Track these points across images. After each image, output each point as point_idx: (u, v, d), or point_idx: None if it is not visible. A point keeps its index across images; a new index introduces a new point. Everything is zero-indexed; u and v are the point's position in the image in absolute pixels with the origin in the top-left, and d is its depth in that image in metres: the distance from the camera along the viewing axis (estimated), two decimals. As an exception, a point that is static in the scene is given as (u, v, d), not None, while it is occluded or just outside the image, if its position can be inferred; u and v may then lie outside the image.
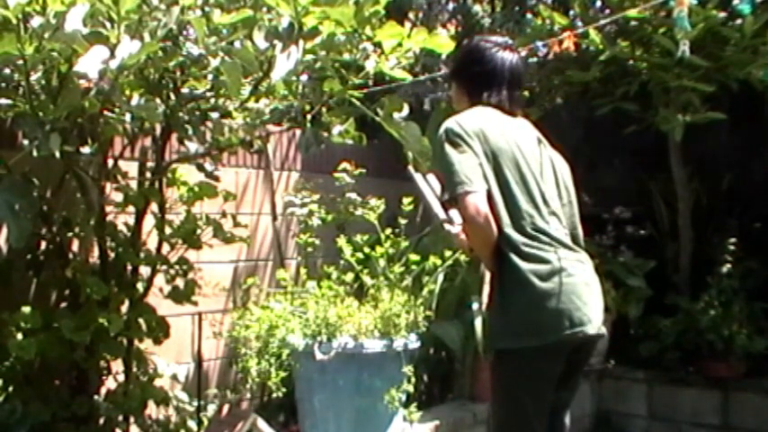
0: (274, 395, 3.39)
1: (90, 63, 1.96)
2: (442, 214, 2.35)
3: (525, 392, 2.23)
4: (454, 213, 2.35)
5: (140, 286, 2.99)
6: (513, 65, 2.41)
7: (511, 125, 2.33)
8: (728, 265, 4.35)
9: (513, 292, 2.19)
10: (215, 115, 2.65)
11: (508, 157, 2.24)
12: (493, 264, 2.23)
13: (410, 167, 2.49)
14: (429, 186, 2.42)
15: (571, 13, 4.47)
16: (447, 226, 2.34)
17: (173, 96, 2.54)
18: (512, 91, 2.40)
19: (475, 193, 2.15)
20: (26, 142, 2.24)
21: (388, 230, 3.71)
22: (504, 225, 2.19)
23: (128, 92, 2.36)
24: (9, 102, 2.25)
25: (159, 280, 3.03)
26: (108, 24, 2.12)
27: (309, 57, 2.40)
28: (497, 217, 2.18)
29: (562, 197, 2.34)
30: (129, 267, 2.96)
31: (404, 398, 3.32)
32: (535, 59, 4.65)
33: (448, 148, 2.23)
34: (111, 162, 2.88)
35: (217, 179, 3.05)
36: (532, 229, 2.21)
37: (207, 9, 2.35)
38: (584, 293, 2.20)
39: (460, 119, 2.29)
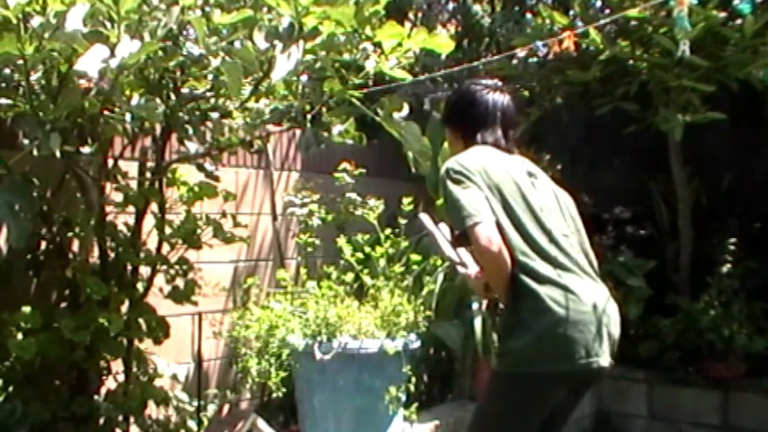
0: (274, 395, 3.39)
1: (90, 63, 1.95)
2: (455, 258, 2.36)
3: (520, 412, 2.23)
4: (465, 255, 2.35)
5: (140, 286, 2.99)
6: (505, 105, 2.44)
7: (510, 161, 2.35)
8: (728, 265, 4.34)
9: (529, 317, 2.16)
10: (215, 115, 2.65)
11: (512, 189, 2.24)
12: (507, 295, 2.23)
13: (421, 215, 2.50)
14: (440, 233, 2.41)
15: (571, 12, 4.47)
16: (461, 269, 2.35)
17: (173, 96, 2.54)
18: (506, 131, 2.42)
19: (484, 223, 2.14)
20: (26, 142, 2.24)
21: (388, 230, 3.72)
22: (519, 253, 2.17)
23: (128, 92, 2.36)
24: (9, 102, 2.25)
25: (159, 280, 3.03)
26: (108, 24, 2.12)
27: (309, 57, 2.40)
28: (510, 246, 2.17)
29: (569, 226, 2.34)
30: (129, 267, 2.96)
31: (404, 398, 3.32)
32: (535, 59, 4.66)
33: (451, 186, 2.23)
34: (111, 162, 2.88)
35: (217, 179, 3.05)
36: (549, 254, 2.20)
37: (207, 9, 2.35)
38: (601, 323, 2.18)
39: (460, 158, 2.30)
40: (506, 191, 2.23)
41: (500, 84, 2.51)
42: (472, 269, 2.34)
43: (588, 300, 2.18)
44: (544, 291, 2.15)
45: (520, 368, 2.18)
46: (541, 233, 2.22)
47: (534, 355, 2.15)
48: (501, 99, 2.44)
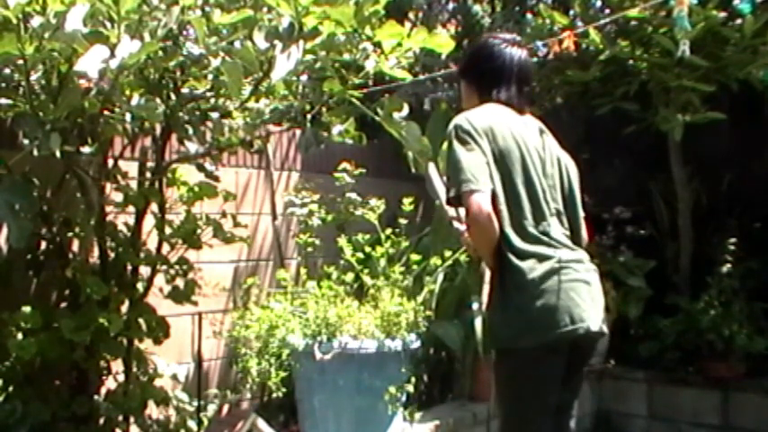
0: (274, 395, 3.39)
1: (90, 63, 1.95)
2: (452, 212, 2.36)
3: (526, 392, 2.23)
4: (462, 212, 2.36)
5: (140, 286, 2.99)
6: (522, 61, 2.43)
7: (519, 123, 2.34)
8: (728, 265, 4.35)
9: (511, 291, 2.19)
10: (215, 115, 2.64)
11: (515, 157, 2.25)
12: (494, 263, 2.24)
13: (430, 168, 2.49)
14: (443, 185, 2.42)
15: (571, 12, 4.47)
16: (456, 224, 2.36)
17: (173, 96, 2.54)
18: (521, 87, 2.41)
19: (480, 192, 2.15)
20: (26, 142, 2.24)
21: (389, 230, 3.72)
22: (505, 225, 2.20)
23: (128, 92, 2.35)
24: (9, 102, 2.25)
25: (159, 280, 3.03)
26: (108, 24, 2.12)
27: (309, 57, 2.40)
28: (500, 217, 2.19)
29: (566, 196, 2.35)
30: (129, 267, 2.96)
31: (404, 398, 3.32)
32: (535, 59, 4.65)
33: (456, 144, 2.23)
34: (111, 162, 2.88)
35: (217, 179, 3.05)
36: (533, 229, 2.22)
37: (207, 9, 2.35)
38: (583, 291, 2.20)
39: (470, 116, 2.29)
40: (509, 158, 2.23)
41: (518, 38, 2.50)
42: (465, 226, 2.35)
43: (572, 270, 2.20)
44: (525, 265, 2.17)
45: (508, 344, 2.21)
46: (534, 206, 2.23)
47: (518, 329, 2.18)
48: (519, 54, 2.43)
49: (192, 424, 3.31)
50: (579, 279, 2.21)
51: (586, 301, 2.20)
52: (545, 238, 2.22)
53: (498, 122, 2.28)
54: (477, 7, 5.38)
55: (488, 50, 2.44)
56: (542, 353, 2.19)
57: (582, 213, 2.39)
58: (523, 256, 2.18)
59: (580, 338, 2.21)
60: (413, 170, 4.16)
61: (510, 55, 2.41)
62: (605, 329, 2.28)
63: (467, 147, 2.21)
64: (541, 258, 2.18)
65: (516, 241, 2.19)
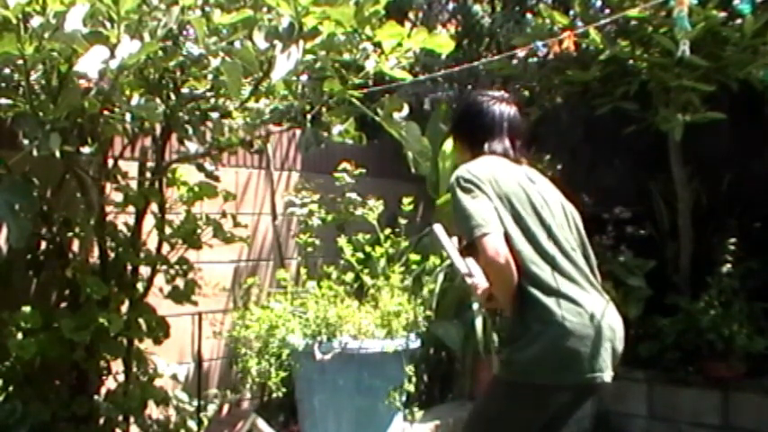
0: (274, 395, 3.39)
1: (90, 63, 1.95)
2: (464, 268, 2.36)
3: (520, 421, 2.24)
4: (472, 264, 2.35)
5: (140, 286, 2.99)
6: (512, 116, 2.45)
7: (519, 171, 2.36)
8: (728, 265, 4.34)
9: (536, 327, 2.16)
10: (215, 115, 2.65)
11: (522, 199, 2.25)
12: (513, 307, 2.23)
13: (435, 226, 2.50)
14: (452, 244, 2.42)
15: (571, 12, 4.46)
16: (468, 279, 2.35)
17: (173, 96, 2.54)
18: (513, 140, 2.42)
19: (492, 234, 2.14)
20: (26, 142, 2.24)
21: (388, 230, 3.72)
22: (528, 263, 2.18)
23: (128, 92, 2.36)
24: (9, 102, 2.25)
25: (159, 280, 3.03)
26: (108, 24, 2.12)
27: (309, 57, 2.40)
28: (520, 257, 2.18)
29: (575, 237, 2.35)
30: (129, 267, 2.96)
31: (404, 398, 3.32)
32: (535, 59, 4.66)
33: (461, 194, 2.23)
34: (111, 162, 2.88)
35: (217, 179, 3.05)
36: (556, 266, 2.20)
37: (207, 9, 2.35)
38: (607, 340, 2.19)
39: (470, 166, 2.31)
40: (516, 200, 2.24)
41: (507, 95, 2.53)
42: (481, 281, 2.34)
43: (596, 314, 2.19)
44: (551, 302, 2.15)
45: (524, 377, 2.19)
46: (551, 244, 2.23)
47: (539, 366, 2.16)
48: (508, 110, 2.45)
49: (191, 424, 3.31)
50: (606, 326, 2.20)
51: (608, 351, 2.19)
52: (570, 274, 2.22)
53: (499, 170, 2.30)
54: (477, 7, 5.38)
55: (477, 108, 2.46)
56: (553, 390, 2.19)
57: (593, 256, 2.39)
58: (550, 292, 2.16)
59: (593, 386, 2.22)
60: (413, 170, 4.18)
61: (499, 110, 2.43)
62: (613, 377, 2.28)
63: (471, 195, 2.21)
64: (569, 298, 2.17)
65: (543, 276, 2.17)
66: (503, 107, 2.44)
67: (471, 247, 2.22)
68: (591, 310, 2.18)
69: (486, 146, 2.39)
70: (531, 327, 2.17)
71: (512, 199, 2.23)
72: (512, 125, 2.43)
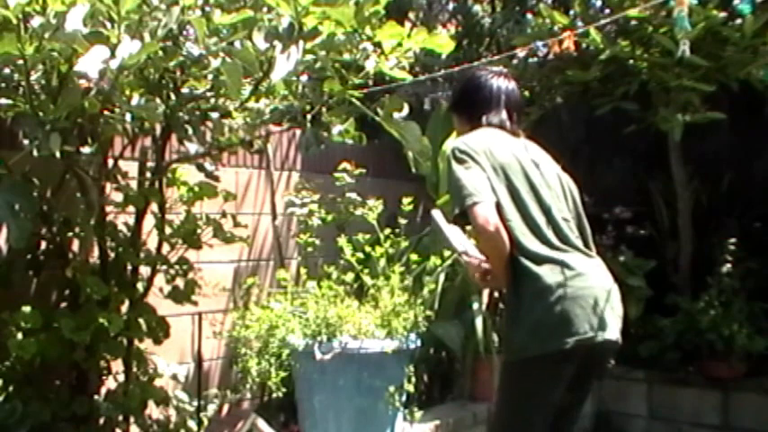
0: (274, 395, 3.39)
1: (90, 63, 1.96)
2: (460, 247, 2.37)
3: (533, 394, 2.24)
4: (469, 245, 2.37)
5: (140, 286, 2.99)
6: (510, 89, 2.49)
7: (516, 143, 2.39)
8: (728, 265, 4.34)
9: (531, 299, 2.18)
10: (215, 115, 2.64)
11: (516, 170, 2.28)
12: (506, 278, 2.24)
13: (434, 212, 2.52)
14: (449, 227, 2.43)
15: (571, 12, 4.46)
16: (464, 257, 2.37)
17: (173, 96, 2.54)
18: (511, 113, 2.46)
19: (483, 203, 2.18)
20: (26, 142, 2.24)
21: (388, 230, 3.72)
22: (519, 234, 2.20)
23: (128, 92, 2.35)
24: (9, 102, 2.25)
25: (159, 280, 3.03)
26: (108, 24, 2.12)
27: (309, 57, 2.40)
28: (510, 227, 2.20)
29: (570, 209, 2.36)
30: (129, 267, 2.96)
31: (404, 398, 3.32)
32: (535, 59, 4.66)
33: (455, 165, 2.27)
34: (111, 162, 2.88)
35: (217, 179, 3.05)
36: (547, 236, 2.23)
37: (207, 9, 2.35)
38: (602, 299, 2.20)
39: (466, 138, 2.36)
40: (511, 171, 2.26)
41: (505, 70, 2.57)
42: (475, 259, 2.35)
43: (588, 274, 2.20)
44: (542, 271, 2.17)
45: (526, 353, 2.20)
46: (543, 215, 2.25)
47: (538, 337, 2.17)
48: (506, 83, 2.49)
49: (192, 424, 3.31)
50: (599, 286, 2.22)
51: (606, 309, 2.20)
52: (560, 244, 2.23)
53: (495, 141, 2.33)
54: (477, 7, 5.38)
55: (476, 82, 2.52)
56: (558, 358, 2.19)
57: (588, 227, 2.40)
58: (540, 261, 2.18)
59: (597, 346, 2.21)
60: (413, 170, 4.18)
61: (497, 84, 2.48)
62: (620, 339, 2.28)
63: (465, 165, 2.25)
64: (559, 263, 2.19)
65: (531, 247, 2.20)
66: (500, 81, 2.48)
67: (464, 217, 2.23)
68: (582, 271, 2.20)
69: (483, 118, 2.43)
70: (525, 300, 2.19)
71: (506, 170, 2.26)
72: (509, 98, 2.47)
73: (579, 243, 2.30)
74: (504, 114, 2.44)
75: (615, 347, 2.28)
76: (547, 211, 2.26)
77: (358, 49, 2.49)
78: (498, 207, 2.20)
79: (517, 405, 2.27)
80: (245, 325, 3.38)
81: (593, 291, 2.19)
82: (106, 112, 2.37)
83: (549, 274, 2.17)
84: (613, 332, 2.21)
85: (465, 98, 2.54)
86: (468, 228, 2.34)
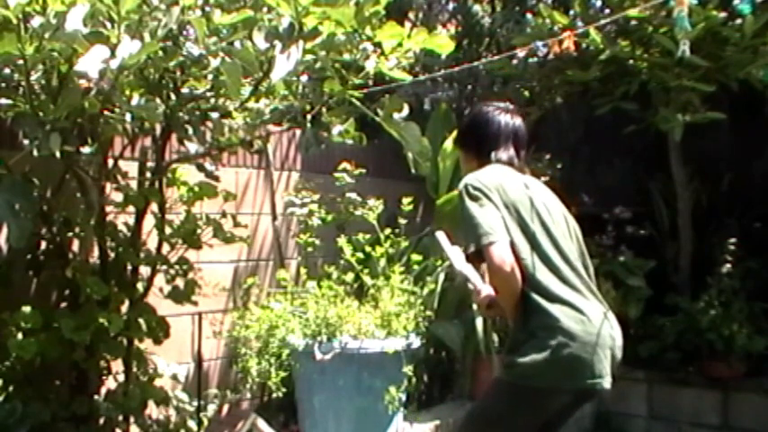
0: (274, 395, 3.39)
1: (90, 63, 1.96)
2: (465, 273, 2.39)
3: (518, 421, 2.27)
4: (472, 272, 2.40)
5: (140, 286, 2.99)
6: (517, 126, 2.49)
7: (523, 180, 2.40)
8: (728, 265, 4.34)
9: (540, 333, 2.19)
10: (215, 115, 2.64)
11: (527, 208, 2.29)
12: (516, 314, 2.25)
13: (438, 234, 2.53)
14: (454, 250, 2.45)
15: (571, 12, 4.46)
16: (470, 285, 2.39)
17: (173, 96, 2.54)
18: (518, 150, 2.47)
19: (499, 242, 2.18)
20: (26, 142, 2.24)
21: (388, 230, 3.72)
22: (532, 270, 2.22)
23: (128, 92, 2.36)
24: (9, 102, 2.25)
25: (159, 280, 3.03)
26: (108, 24, 2.12)
27: (309, 57, 2.40)
28: (524, 265, 2.21)
29: (575, 248, 2.38)
30: (129, 267, 2.96)
31: (404, 398, 3.32)
32: (535, 59, 4.66)
33: (468, 202, 2.26)
34: (111, 162, 2.88)
35: (217, 179, 3.05)
36: (559, 275, 2.24)
37: (207, 9, 2.35)
38: (607, 348, 2.23)
39: (478, 175, 2.35)
40: (522, 209, 2.28)
41: (512, 106, 2.57)
42: (482, 287, 2.39)
43: (597, 322, 2.23)
44: (555, 309, 2.20)
45: (526, 380, 2.22)
46: (555, 253, 2.27)
47: (542, 370, 2.19)
48: (513, 120, 2.49)
49: (192, 424, 3.31)
50: (607, 334, 2.24)
51: (608, 359, 2.23)
52: (572, 281, 2.25)
53: (506, 178, 2.34)
54: (477, 7, 5.38)
55: (484, 117, 2.50)
56: (554, 394, 2.23)
57: (591, 266, 2.42)
58: (552, 298, 2.20)
59: (592, 392, 2.27)
60: (413, 170, 4.18)
61: (505, 121, 2.47)
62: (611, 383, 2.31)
63: (479, 203, 2.25)
64: (570, 305, 2.21)
65: (544, 283, 2.21)
66: (508, 117, 2.49)
67: (478, 254, 2.24)
68: (592, 317, 2.22)
69: (492, 155, 2.43)
70: (535, 332, 2.20)
71: (518, 207, 2.27)
72: (517, 135, 2.48)
73: (589, 281, 2.33)
74: (512, 151, 2.44)
75: (605, 393, 2.30)
76: (558, 249, 2.28)
77: (358, 49, 2.50)
78: (512, 245, 2.21)
79: (496, 419, 2.30)
80: (245, 325, 3.38)
81: (602, 339, 2.22)
82: (106, 112, 2.37)
83: (560, 314, 2.19)
84: (609, 381, 2.25)
85: (473, 133, 2.53)
86: (483, 265, 2.34)
